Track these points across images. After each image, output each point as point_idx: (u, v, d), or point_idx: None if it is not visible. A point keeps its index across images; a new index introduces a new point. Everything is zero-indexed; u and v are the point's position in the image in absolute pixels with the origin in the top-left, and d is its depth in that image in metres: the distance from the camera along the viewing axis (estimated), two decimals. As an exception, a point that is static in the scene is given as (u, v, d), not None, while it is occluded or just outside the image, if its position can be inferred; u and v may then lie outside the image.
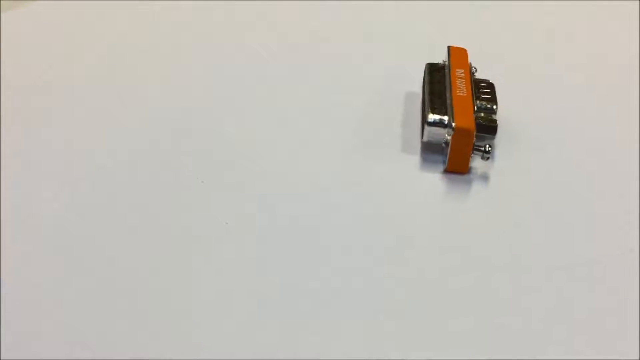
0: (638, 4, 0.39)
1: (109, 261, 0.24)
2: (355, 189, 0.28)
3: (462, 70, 0.31)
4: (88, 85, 0.33)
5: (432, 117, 0.29)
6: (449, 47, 0.33)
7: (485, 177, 0.28)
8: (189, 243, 0.25)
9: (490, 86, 0.31)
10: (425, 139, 0.29)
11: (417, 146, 0.30)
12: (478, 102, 0.29)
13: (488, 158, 0.28)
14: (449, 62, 0.32)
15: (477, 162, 0.29)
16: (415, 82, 0.34)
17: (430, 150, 0.30)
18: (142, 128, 0.30)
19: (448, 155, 0.28)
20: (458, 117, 0.28)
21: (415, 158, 0.29)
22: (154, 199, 0.26)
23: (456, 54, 0.33)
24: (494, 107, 0.29)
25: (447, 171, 0.28)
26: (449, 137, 0.28)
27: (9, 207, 0.25)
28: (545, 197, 0.27)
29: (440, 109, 0.29)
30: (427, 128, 0.29)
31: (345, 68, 0.35)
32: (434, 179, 0.28)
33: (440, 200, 0.27)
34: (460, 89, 0.30)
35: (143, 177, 0.27)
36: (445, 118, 0.28)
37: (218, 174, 0.28)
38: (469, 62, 0.32)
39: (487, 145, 0.28)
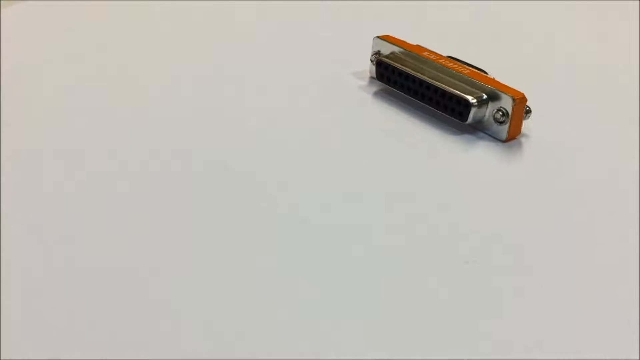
0: (638, 4, 0.43)
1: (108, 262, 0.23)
2: (435, 184, 0.28)
3: (427, 52, 0.33)
4: (88, 82, 0.33)
5: (472, 99, 0.30)
6: (380, 37, 0.34)
7: (528, 136, 0.31)
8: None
9: (457, 59, 0.33)
10: (469, 120, 0.30)
11: (451, 128, 0.31)
12: (478, 74, 0.32)
13: (529, 117, 0.31)
14: (404, 49, 0.33)
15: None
16: (349, 75, 0.35)
17: (460, 127, 0.31)
18: (142, 125, 0.30)
19: (510, 125, 0.30)
20: (505, 90, 0.30)
21: (459, 138, 0.31)
22: (156, 197, 0.26)
23: (397, 41, 0.34)
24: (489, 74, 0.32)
25: (506, 141, 0.30)
26: (496, 112, 0.30)
27: (8, 207, 0.25)
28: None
29: (468, 90, 0.31)
30: (472, 110, 0.30)
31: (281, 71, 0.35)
32: (496, 149, 0.30)
33: (525, 165, 0.30)
34: (458, 67, 0.32)
35: (143, 175, 0.27)
36: (483, 96, 0.30)
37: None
38: (416, 44, 0.34)
39: (527, 106, 0.31)
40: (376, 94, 0.34)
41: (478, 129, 0.31)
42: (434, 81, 0.31)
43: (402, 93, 0.33)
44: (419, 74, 0.32)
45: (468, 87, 0.31)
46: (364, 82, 0.35)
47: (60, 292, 0.22)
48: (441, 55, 0.33)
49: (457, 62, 0.32)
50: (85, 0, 0.40)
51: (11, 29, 0.37)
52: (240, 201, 0.26)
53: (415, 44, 0.34)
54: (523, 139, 0.31)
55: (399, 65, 0.32)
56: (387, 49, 0.34)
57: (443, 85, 0.31)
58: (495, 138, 0.31)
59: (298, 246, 0.24)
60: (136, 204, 0.26)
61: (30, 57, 0.35)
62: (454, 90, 0.31)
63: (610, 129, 0.32)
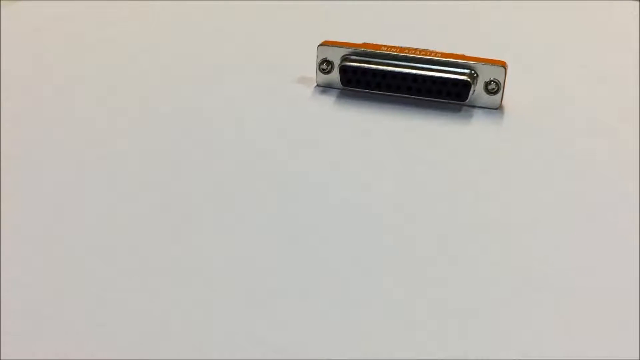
0: (638, 4, 0.42)
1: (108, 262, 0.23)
2: (458, 173, 0.28)
3: (385, 47, 0.33)
4: (88, 81, 0.33)
5: (467, 78, 0.32)
6: (324, 43, 0.33)
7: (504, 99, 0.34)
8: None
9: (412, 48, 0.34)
10: (469, 99, 0.32)
11: (440, 111, 0.32)
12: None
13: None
14: (356, 49, 0.33)
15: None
16: (296, 85, 0.34)
17: (449, 108, 0.33)
18: (141, 123, 0.30)
19: (502, 93, 0.32)
20: (487, 62, 0.32)
21: (457, 116, 0.32)
22: (156, 196, 0.26)
23: (343, 44, 0.33)
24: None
25: (499, 107, 0.33)
26: (489, 84, 0.32)
27: (8, 206, 0.25)
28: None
29: (456, 71, 0.32)
30: (472, 88, 0.32)
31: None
32: (497, 116, 0.32)
33: (533, 120, 0.32)
34: (426, 53, 0.33)
35: (141, 174, 0.27)
36: (472, 72, 0.32)
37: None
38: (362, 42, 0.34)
39: None
40: (339, 98, 0.33)
41: (468, 105, 0.33)
42: (420, 72, 0.32)
43: (379, 92, 0.33)
44: (399, 69, 0.32)
45: (454, 68, 0.32)
46: (312, 90, 0.34)
47: (59, 291, 0.21)
48: (399, 47, 0.33)
49: (418, 49, 0.33)
50: (85, 0, 0.41)
51: (11, 29, 0.38)
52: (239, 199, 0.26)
53: (360, 42, 0.33)
54: (504, 102, 0.33)
55: (371, 66, 0.32)
56: (335, 53, 0.33)
57: (433, 73, 0.32)
58: (488, 108, 0.32)
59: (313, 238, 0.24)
60: (132, 202, 0.25)
61: (30, 57, 0.35)
62: (447, 75, 0.32)
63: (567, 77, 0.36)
